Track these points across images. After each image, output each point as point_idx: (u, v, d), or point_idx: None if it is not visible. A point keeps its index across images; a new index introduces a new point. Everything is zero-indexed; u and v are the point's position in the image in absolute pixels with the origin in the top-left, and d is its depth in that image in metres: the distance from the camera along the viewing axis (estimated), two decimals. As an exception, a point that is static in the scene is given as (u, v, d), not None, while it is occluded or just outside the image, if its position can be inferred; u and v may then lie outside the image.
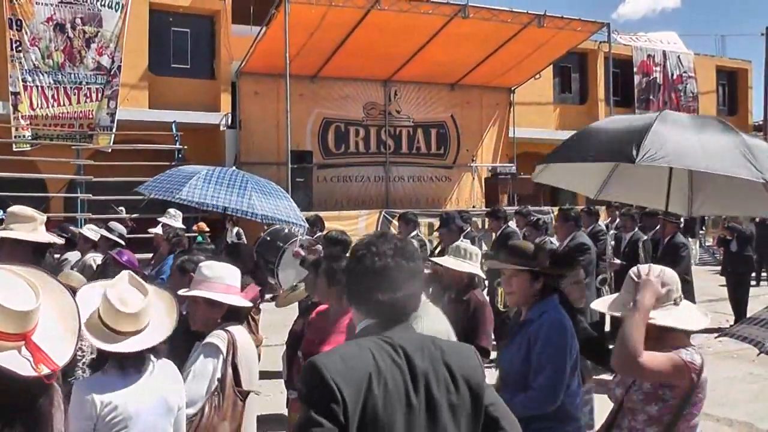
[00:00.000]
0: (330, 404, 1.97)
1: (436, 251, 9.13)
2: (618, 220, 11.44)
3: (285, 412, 5.39)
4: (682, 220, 10.61)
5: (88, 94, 17.69)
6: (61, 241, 6.41)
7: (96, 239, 8.08)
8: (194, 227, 14.37)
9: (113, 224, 8.69)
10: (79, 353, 3.80)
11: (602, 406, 3.69)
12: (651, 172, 4.21)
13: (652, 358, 2.93)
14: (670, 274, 3.15)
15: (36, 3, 16.97)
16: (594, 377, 4.28)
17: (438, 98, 22.01)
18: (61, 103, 17.39)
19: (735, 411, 7.29)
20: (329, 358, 2.08)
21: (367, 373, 2.03)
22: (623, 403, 3.16)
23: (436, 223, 10.73)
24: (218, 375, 3.41)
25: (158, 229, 8.96)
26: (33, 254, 3.89)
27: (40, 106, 17.10)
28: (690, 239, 18.17)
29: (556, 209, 12.44)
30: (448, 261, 5.01)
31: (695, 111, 28.03)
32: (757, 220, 16.51)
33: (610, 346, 3.51)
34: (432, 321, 3.62)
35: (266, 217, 7.64)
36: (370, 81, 20.89)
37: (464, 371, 2.21)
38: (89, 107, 17.69)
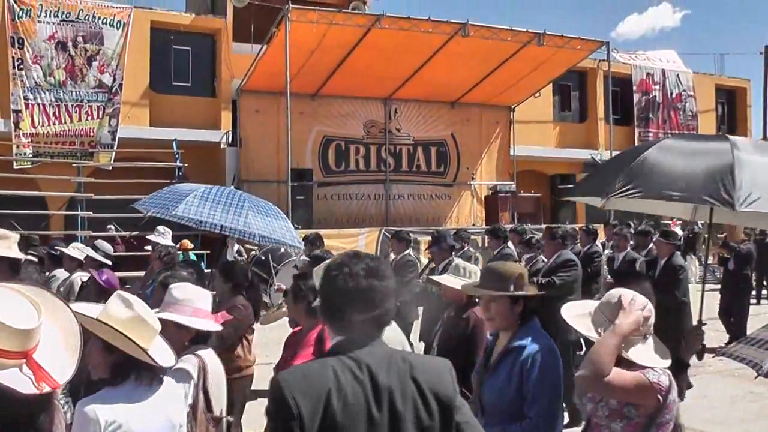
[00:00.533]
0: (288, 419, 2.07)
1: (426, 270, 9.15)
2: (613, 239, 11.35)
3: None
4: (681, 239, 10.57)
5: (90, 112, 17.75)
6: (34, 259, 6.43)
7: (81, 258, 8.03)
8: (178, 245, 14.38)
9: (99, 243, 8.67)
10: None
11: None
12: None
13: (619, 376, 2.94)
14: (650, 309, 3.16)
15: (38, 21, 17.07)
16: None
17: (438, 116, 22.07)
18: (63, 121, 17.45)
19: (735, 430, 7.27)
20: (291, 374, 2.19)
21: (327, 388, 2.10)
22: (591, 418, 3.19)
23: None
24: (189, 401, 3.37)
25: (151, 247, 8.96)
26: (9, 270, 3.99)
27: (41, 123, 17.15)
28: (692, 256, 18.21)
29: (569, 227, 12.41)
30: (446, 279, 4.97)
31: (694, 129, 28.09)
32: (758, 236, 16.52)
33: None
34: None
35: (263, 237, 7.62)
36: (370, 99, 20.97)
37: (434, 386, 2.24)
38: (90, 125, 17.74)
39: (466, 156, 22.40)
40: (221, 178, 18.78)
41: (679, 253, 9.16)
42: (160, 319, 3.38)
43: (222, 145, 19.48)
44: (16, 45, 16.85)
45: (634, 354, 3.05)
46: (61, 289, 7.06)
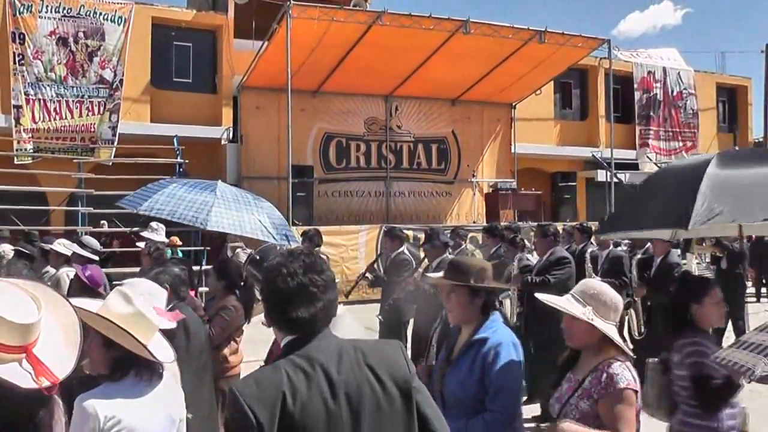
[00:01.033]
0: (246, 428, 2.11)
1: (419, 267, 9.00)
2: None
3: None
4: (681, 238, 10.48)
5: (90, 108, 17.74)
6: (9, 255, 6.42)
7: (68, 254, 8.02)
8: (167, 242, 14.37)
9: (86, 239, 8.66)
10: None
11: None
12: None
13: (631, 423, 3.12)
14: (611, 297, 3.30)
15: (39, 17, 17.06)
16: None
17: (439, 114, 22.07)
18: (63, 117, 17.44)
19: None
20: (245, 383, 2.22)
21: (280, 392, 2.15)
22: (558, 417, 3.27)
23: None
24: None
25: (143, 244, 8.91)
26: None
27: (42, 119, 17.15)
28: (689, 255, 18.15)
29: (558, 225, 12.36)
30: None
31: (695, 128, 28.06)
32: (754, 238, 16.45)
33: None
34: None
35: (229, 232, 7.48)
36: (371, 96, 20.96)
37: (389, 370, 2.32)
38: (91, 120, 17.74)
39: (466, 153, 22.39)
40: (222, 174, 18.75)
41: (675, 251, 9.10)
42: None
43: (223, 142, 19.48)
44: (17, 40, 16.84)
45: (611, 331, 3.23)
46: (48, 284, 7.03)
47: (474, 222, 20.34)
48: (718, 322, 4.23)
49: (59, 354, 2.03)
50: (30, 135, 17.00)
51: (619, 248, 10.31)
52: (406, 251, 9.05)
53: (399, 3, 61.74)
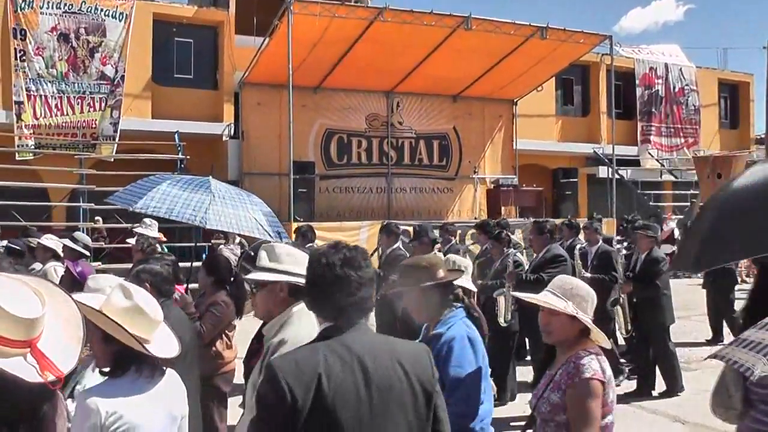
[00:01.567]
0: (279, 403, 2.24)
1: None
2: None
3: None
4: (659, 233, 10.45)
5: (92, 104, 17.75)
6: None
7: (56, 248, 8.01)
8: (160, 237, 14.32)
9: (78, 234, 8.66)
10: None
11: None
12: None
13: (593, 414, 3.11)
14: (587, 291, 3.36)
15: (40, 13, 17.06)
16: None
17: (440, 110, 22.05)
18: (65, 113, 17.45)
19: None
20: (284, 360, 2.37)
21: (317, 373, 2.27)
22: (534, 412, 3.34)
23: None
24: None
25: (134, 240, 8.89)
26: None
27: (43, 115, 17.15)
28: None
29: (558, 221, 12.31)
30: None
31: (697, 124, 28.06)
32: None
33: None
34: (300, 327, 3.26)
35: (227, 230, 7.50)
36: (372, 92, 20.95)
37: (416, 369, 2.45)
38: (92, 117, 17.74)
39: (468, 150, 22.37)
40: (223, 170, 18.79)
41: (657, 248, 9.02)
42: None
43: (224, 138, 19.47)
44: (19, 36, 16.84)
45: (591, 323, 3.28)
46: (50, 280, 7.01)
47: (475, 218, 20.33)
48: None
49: (63, 349, 2.04)
50: (31, 131, 17.01)
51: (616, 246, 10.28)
52: (401, 247, 9.02)
53: (400, -1, 61.63)
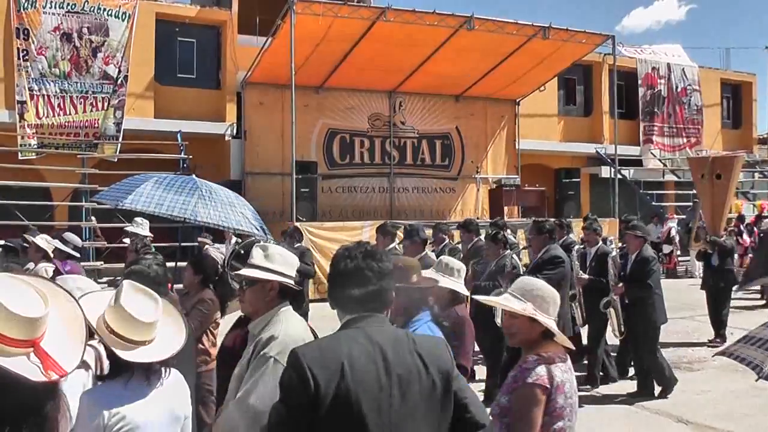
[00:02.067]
0: (302, 391, 2.30)
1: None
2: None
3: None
4: (651, 234, 10.46)
5: (95, 104, 17.77)
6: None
7: (48, 249, 8.03)
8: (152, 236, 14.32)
9: (68, 235, 8.67)
10: None
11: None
12: None
13: (530, 420, 3.10)
14: (550, 292, 3.34)
15: (43, 12, 17.08)
16: None
17: (443, 110, 22.06)
18: (67, 112, 17.47)
19: (739, 425, 7.26)
20: (309, 347, 2.47)
21: (341, 361, 2.34)
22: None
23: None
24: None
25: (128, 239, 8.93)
26: None
27: (46, 114, 17.17)
28: (691, 251, 18.11)
29: (551, 221, 12.29)
30: (431, 275, 4.78)
31: (699, 124, 28.02)
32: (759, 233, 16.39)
33: None
34: (288, 325, 3.37)
35: (217, 225, 7.55)
36: (375, 92, 20.97)
37: (435, 360, 2.51)
38: (95, 116, 17.76)
39: (470, 149, 22.39)
40: (225, 170, 18.82)
41: (647, 247, 8.97)
42: None
43: (226, 137, 19.48)
44: (22, 36, 16.87)
45: (552, 325, 3.27)
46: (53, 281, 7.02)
47: (478, 218, 20.32)
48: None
49: (66, 348, 2.04)
50: (34, 130, 17.03)
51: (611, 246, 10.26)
52: (397, 247, 8.93)
53: (403, -1, 61.71)
